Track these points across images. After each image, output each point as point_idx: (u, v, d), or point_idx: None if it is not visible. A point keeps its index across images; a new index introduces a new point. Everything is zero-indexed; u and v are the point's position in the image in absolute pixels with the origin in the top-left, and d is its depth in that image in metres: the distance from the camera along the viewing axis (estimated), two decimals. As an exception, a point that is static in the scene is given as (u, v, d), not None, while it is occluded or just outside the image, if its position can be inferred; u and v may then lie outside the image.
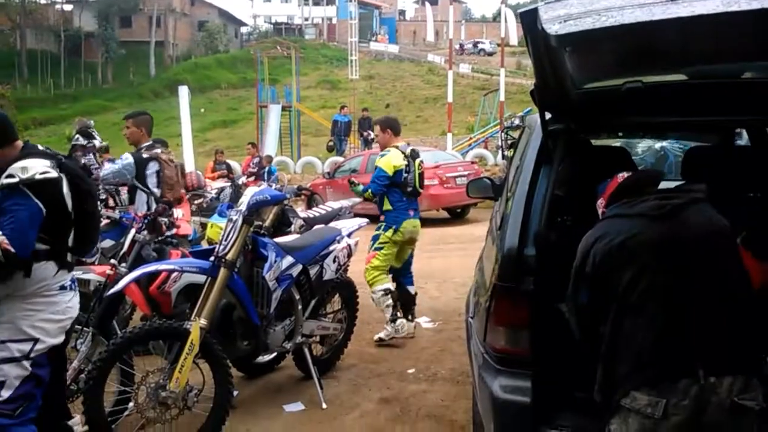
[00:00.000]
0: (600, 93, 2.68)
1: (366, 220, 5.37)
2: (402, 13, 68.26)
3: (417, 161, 5.77)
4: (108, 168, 5.38)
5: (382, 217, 5.68)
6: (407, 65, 47.33)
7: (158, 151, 5.38)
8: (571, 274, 2.25)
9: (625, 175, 2.32)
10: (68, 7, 54.15)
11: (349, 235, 4.83)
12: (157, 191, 5.19)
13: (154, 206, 4.86)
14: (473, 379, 3.04)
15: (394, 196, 5.64)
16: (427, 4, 53.60)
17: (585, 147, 3.45)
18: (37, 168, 2.72)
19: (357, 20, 38.90)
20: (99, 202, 4.18)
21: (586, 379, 2.26)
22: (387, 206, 5.66)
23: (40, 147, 2.95)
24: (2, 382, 2.73)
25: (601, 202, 2.36)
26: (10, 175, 2.69)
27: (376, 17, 58.20)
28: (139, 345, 3.70)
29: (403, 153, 5.66)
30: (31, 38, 49.11)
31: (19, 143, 2.92)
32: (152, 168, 5.25)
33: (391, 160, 5.57)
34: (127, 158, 5.21)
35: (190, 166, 15.45)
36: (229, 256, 3.73)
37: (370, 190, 5.59)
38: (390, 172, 5.54)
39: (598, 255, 2.13)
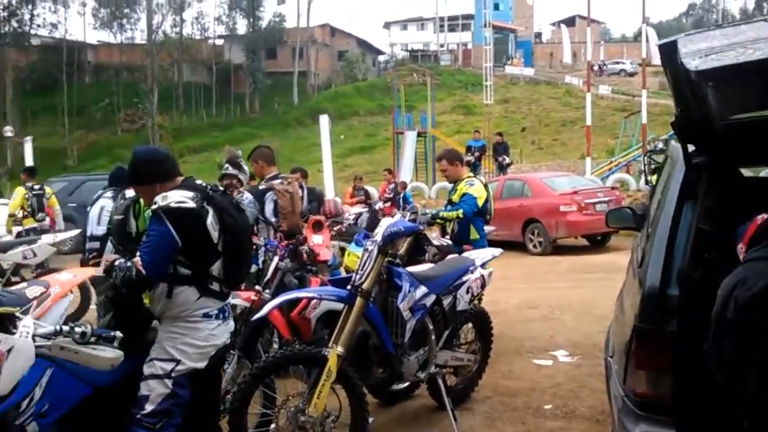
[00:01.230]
0: (748, 124, 2.53)
1: (500, 250, 5.33)
2: (538, 35, 67.47)
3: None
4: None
5: (469, 247, 5.65)
6: (543, 88, 46.63)
7: (275, 182, 5.71)
8: (712, 320, 2.13)
9: (765, 216, 2.18)
10: (219, 42, 58.05)
11: (482, 265, 4.82)
12: (273, 221, 5.48)
13: (271, 235, 5.12)
14: (613, 421, 2.93)
15: (479, 225, 5.84)
16: (563, 25, 52.67)
17: (733, 178, 3.26)
18: (175, 198, 2.95)
19: (492, 46, 38.78)
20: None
21: (732, 429, 2.12)
22: (474, 235, 5.84)
23: (198, 182, 3.19)
24: (147, 396, 2.94)
25: (741, 248, 2.22)
26: (154, 203, 2.96)
27: (512, 41, 57.86)
28: (281, 369, 3.87)
29: (482, 183, 5.91)
30: (186, 72, 53.07)
31: (179, 179, 3.17)
32: (269, 198, 5.57)
33: (481, 190, 5.81)
34: (248, 197, 5.56)
35: (330, 192, 16.07)
36: (365, 286, 3.83)
37: (461, 211, 5.69)
38: (481, 202, 5.75)
39: (740, 301, 2.01)
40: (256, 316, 3.97)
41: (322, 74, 57.79)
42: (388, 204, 14.10)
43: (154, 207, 2.94)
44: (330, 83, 56.11)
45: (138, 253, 2.93)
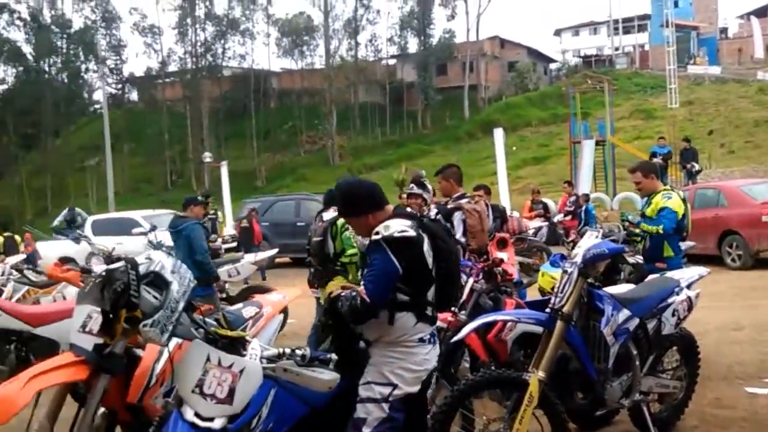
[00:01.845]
0: None
1: (706, 269, 4.98)
2: (723, 31, 62.48)
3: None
4: None
5: (662, 265, 5.32)
6: (732, 86, 43.11)
7: (463, 201, 5.72)
8: None
9: None
10: (392, 62, 59.75)
11: (688, 286, 4.53)
12: (463, 240, 5.48)
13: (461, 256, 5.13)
14: None
15: (675, 241, 5.50)
16: (753, 18, 48.41)
17: None
18: (397, 227, 3.05)
19: (674, 45, 36.52)
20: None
21: None
22: (668, 252, 5.48)
23: (408, 210, 3.30)
24: (364, 419, 3.04)
25: None
26: (376, 232, 3.08)
27: (694, 39, 54.11)
28: (480, 392, 3.88)
29: (680, 196, 5.55)
30: (362, 93, 55.14)
31: (390, 208, 3.28)
32: (457, 218, 5.59)
33: (679, 203, 5.45)
34: (434, 211, 5.63)
35: (506, 204, 15.91)
36: (565, 309, 3.75)
37: (661, 226, 5.37)
38: (680, 215, 5.41)
39: None
40: (454, 338, 4.02)
41: (493, 86, 57.55)
42: (568, 217, 13.75)
43: (376, 237, 3.05)
44: (500, 95, 55.72)
45: (362, 282, 3.06)
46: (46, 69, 59.15)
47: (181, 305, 2.69)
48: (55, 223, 18.10)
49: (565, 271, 3.92)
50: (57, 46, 58.99)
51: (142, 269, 2.67)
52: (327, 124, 49.68)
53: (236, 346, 2.79)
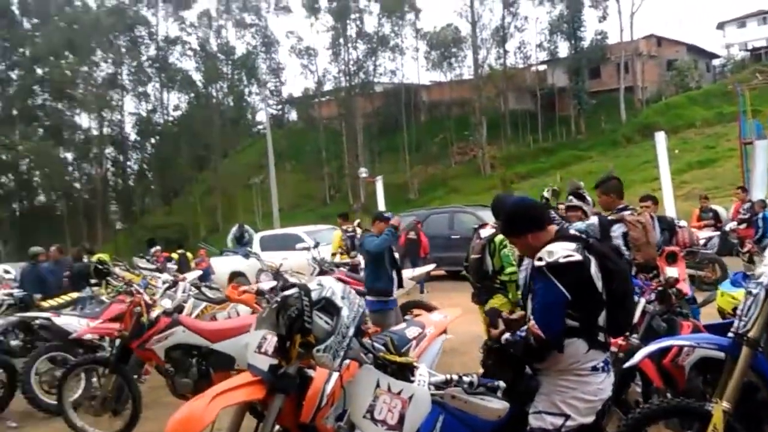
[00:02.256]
0: None
1: None
2: None
3: None
4: (576, 224, 5.61)
5: None
6: None
7: (626, 213, 5.43)
8: None
9: None
10: (542, 68, 58.48)
11: None
12: (627, 253, 5.20)
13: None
14: None
15: None
16: None
17: None
18: (561, 252, 2.94)
19: None
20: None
21: None
22: None
23: (571, 231, 3.19)
24: None
25: None
26: (539, 258, 2.98)
27: None
28: (656, 421, 3.66)
29: None
30: (512, 100, 54.43)
31: (553, 228, 3.19)
32: (617, 230, 5.32)
33: None
34: (593, 220, 5.36)
35: (671, 212, 14.98)
36: (751, 334, 3.44)
37: None
38: None
39: None
40: (627, 364, 3.83)
41: (650, 87, 54.63)
42: (743, 226, 12.69)
43: (540, 264, 2.97)
44: (659, 96, 52.78)
45: (531, 317, 2.99)
46: (214, 94, 63.80)
47: (352, 331, 2.76)
48: (228, 243, 19.36)
49: (749, 292, 3.61)
50: (222, 72, 63.44)
51: (314, 295, 2.76)
52: (477, 134, 49.50)
53: (404, 372, 2.82)
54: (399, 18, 56.73)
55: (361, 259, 13.51)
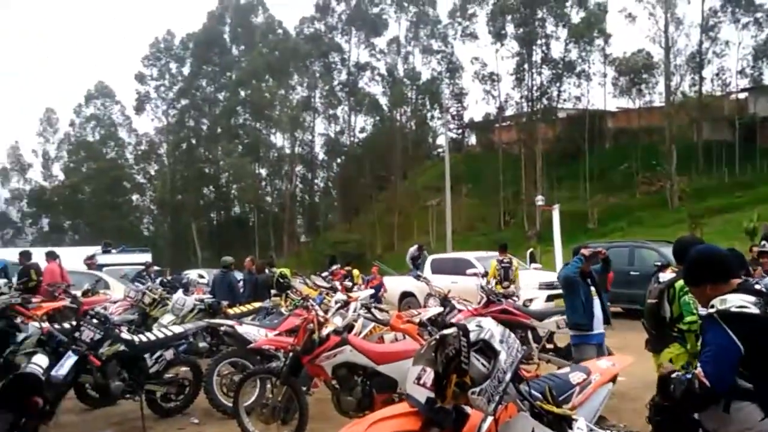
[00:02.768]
0: None
1: None
2: None
3: None
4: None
5: None
6: None
7: None
8: None
9: None
10: (743, 95, 54.06)
11: None
12: None
13: None
14: None
15: None
16: None
17: None
18: (735, 302, 2.73)
19: None
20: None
21: None
22: None
23: (757, 286, 2.94)
24: None
25: None
26: (711, 306, 2.78)
27: None
28: None
29: None
30: (706, 130, 50.77)
31: (735, 281, 2.97)
32: None
33: None
34: None
35: None
36: None
37: None
38: None
39: None
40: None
41: None
42: None
43: (711, 311, 2.81)
44: None
45: (698, 364, 2.80)
46: (398, 118, 65.86)
47: (509, 376, 2.72)
48: (407, 262, 19.66)
49: None
50: (407, 96, 65.32)
51: (472, 336, 2.76)
52: (666, 164, 46.61)
53: (561, 424, 2.73)
54: (587, 43, 55.13)
55: (514, 289, 13.58)
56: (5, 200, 75.17)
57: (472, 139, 69.58)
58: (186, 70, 70.55)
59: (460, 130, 68.48)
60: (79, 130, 75.04)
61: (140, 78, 69.39)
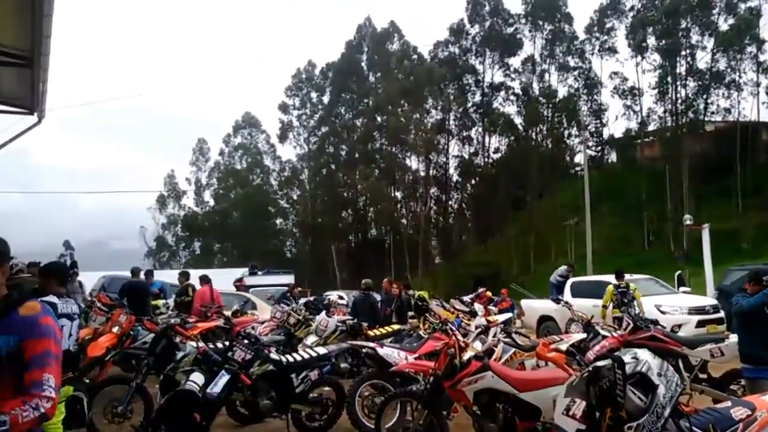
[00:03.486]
0: None
1: None
2: None
3: None
4: None
5: None
6: None
7: None
8: None
9: None
10: None
11: None
12: None
13: None
14: None
15: None
16: None
17: None
18: None
19: None
20: None
21: None
22: None
23: None
24: None
25: None
26: None
27: None
28: None
29: None
30: None
31: None
32: None
33: None
34: None
35: None
36: None
37: None
38: None
39: None
40: None
41: None
42: None
43: None
44: None
45: None
46: (533, 137, 64.77)
47: (668, 411, 2.58)
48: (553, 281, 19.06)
49: None
50: (543, 115, 64.16)
51: (628, 369, 2.64)
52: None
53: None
54: (737, 52, 51.67)
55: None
56: (162, 225, 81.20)
57: (612, 156, 67.11)
58: (326, 99, 73.33)
59: (599, 147, 66.36)
60: (228, 158, 79.99)
61: (283, 108, 72.91)
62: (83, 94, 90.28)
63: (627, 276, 17.05)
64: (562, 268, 20.15)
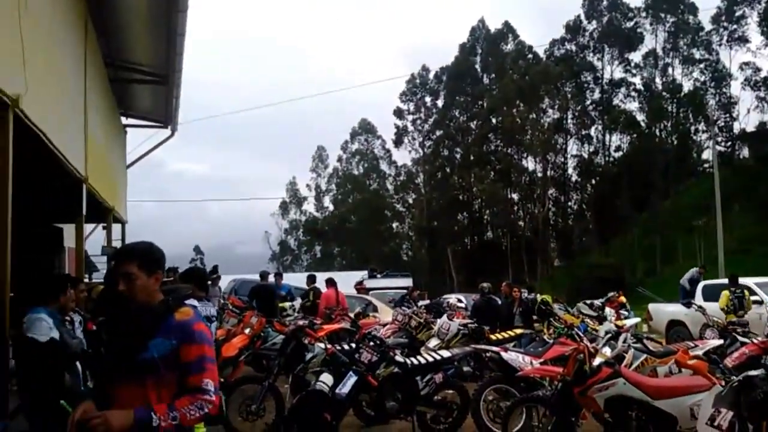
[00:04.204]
0: None
1: None
2: None
3: None
4: None
5: None
6: None
7: None
8: None
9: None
10: None
11: None
12: None
13: None
14: None
15: None
16: None
17: None
18: None
19: None
20: None
21: None
22: None
23: None
24: None
25: None
26: None
27: None
28: None
29: None
30: None
31: None
32: None
33: None
34: None
35: None
36: None
37: None
38: None
39: None
40: None
41: None
42: None
43: None
44: None
45: None
46: (657, 134, 61.93)
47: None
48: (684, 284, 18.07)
49: None
50: (667, 111, 61.25)
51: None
52: None
53: None
54: None
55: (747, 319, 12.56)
56: (284, 230, 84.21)
57: (744, 152, 62.98)
58: (440, 102, 73.41)
59: (729, 143, 62.47)
60: (345, 164, 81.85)
61: (398, 113, 73.63)
62: (209, 108, 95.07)
63: (764, 279, 16.08)
64: (693, 270, 19.04)
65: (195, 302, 5.84)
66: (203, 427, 5.60)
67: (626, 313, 14.38)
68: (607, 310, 13.67)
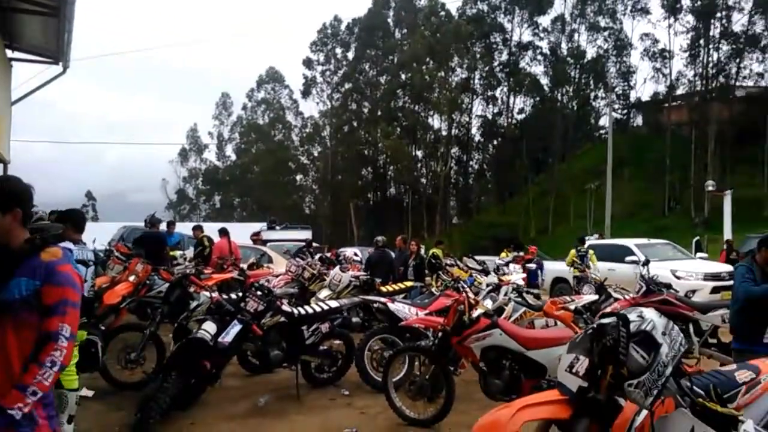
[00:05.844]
0: None
1: None
2: None
3: None
4: None
5: None
6: None
7: None
8: None
9: None
10: None
11: None
12: None
13: None
14: None
15: None
16: None
17: None
18: None
19: None
20: None
21: None
22: None
23: None
24: None
25: None
26: None
27: None
28: None
29: None
30: None
31: None
32: None
33: None
34: None
35: None
36: None
37: None
38: None
39: None
40: None
41: None
42: None
43: None
44: None
45: None
46: (559, 98, 63.80)
47: (669, 369, 2.54)
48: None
49: None
50: (570, 76, 63.08)
51: (632, 327, 2.60)
52: None
53: (726, 424, 2.51)
54: (776, 13, 49.93)
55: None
56: (183, 178, 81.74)
57: (638, 120, 66.11)
58: (351, 55, 72.40)
59: (625, 111, 65.29)
60: (250, 113, 79.72)
61: (308, 63, 72.10)
62: (105, 45, 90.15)
63: (643, 240, 17.23)
64: (594, 235, 20.52)
65: (70, 245, 5.54)
66: (75, 374, 5.38)
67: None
68: (512, 266, 14.15)
